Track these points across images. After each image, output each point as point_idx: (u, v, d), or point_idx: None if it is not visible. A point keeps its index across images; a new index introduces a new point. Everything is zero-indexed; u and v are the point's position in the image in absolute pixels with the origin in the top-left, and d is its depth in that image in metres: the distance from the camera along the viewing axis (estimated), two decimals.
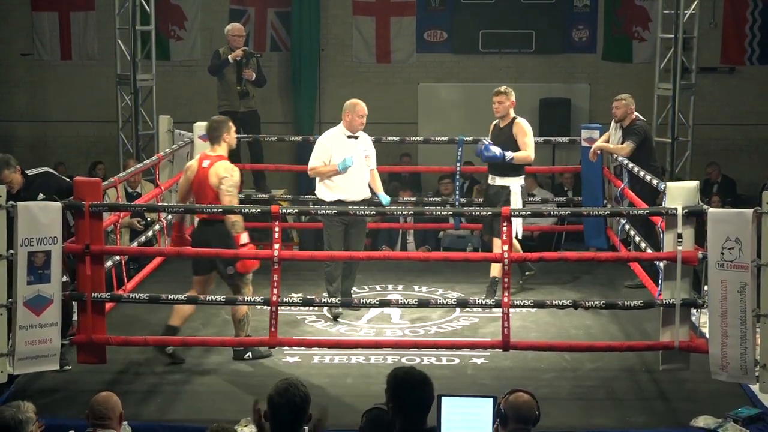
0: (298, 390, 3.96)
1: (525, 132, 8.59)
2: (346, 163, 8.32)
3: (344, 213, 8.04)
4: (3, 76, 14.66)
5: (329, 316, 8.39)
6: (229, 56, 10.69)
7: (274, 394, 3.95)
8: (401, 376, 4.11)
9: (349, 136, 8.45)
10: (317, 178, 8.50)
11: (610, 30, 14.36)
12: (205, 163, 7.27)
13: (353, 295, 8.86)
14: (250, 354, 7.35)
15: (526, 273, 9.05)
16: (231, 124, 7.51)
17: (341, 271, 8.49)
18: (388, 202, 8.69)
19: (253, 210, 7.30)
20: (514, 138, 8.59)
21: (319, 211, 7.75)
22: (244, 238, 7.14)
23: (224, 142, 7.38)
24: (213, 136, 7.41)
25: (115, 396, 4.98)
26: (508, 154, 8.48)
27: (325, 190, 8.43)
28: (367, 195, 8.56)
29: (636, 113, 9.17)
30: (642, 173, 8.45)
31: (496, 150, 8.47)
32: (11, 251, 6.51)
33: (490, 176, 8.77)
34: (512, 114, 8.71)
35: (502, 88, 8.75)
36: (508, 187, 8.59)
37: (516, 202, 8.51)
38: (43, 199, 6.90)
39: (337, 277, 8.46)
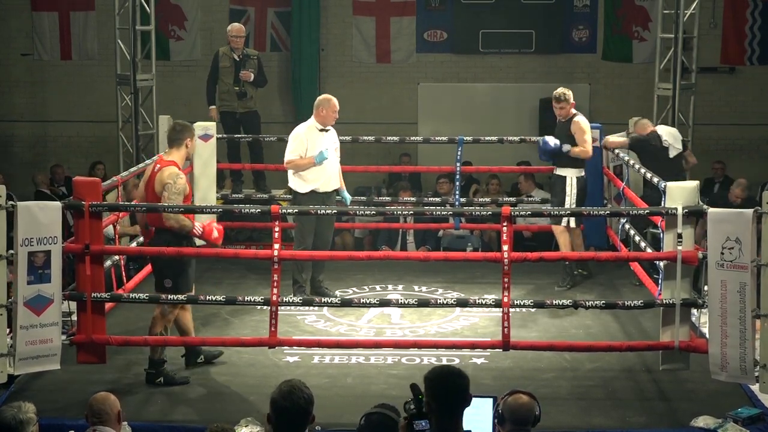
0: (302, 392, 3.92)
1: (583, 130, 9.03)
2: (323, 156, 8.54)
3: (344, 213, 8.05)
4: (3, 76, 14.66)
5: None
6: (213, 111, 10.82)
7: (278, 398, 3.90)
8: (443, 373, 4.08)
9: (321, 130, 8.65)
10: (290, 171, 8.73)
11: (610, 30, 14.36)
12: (157, 168, 7.07)
13: (353, 295, 8.88)
14: (162, 379, 6.97)
15: (580, 270, 9.49)
16: (195, 133, 7.31)
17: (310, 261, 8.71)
18: (350, 200, 9.01)
19: (253, 210, 7.28)
20: (572, 134, 9.03)
21: (319, 212, 7.74)
22: (198, 228, 6.98)
23: (185, 147, 7.11)
24: (175, 138, 7.11)
25: (113, 396, 4.99)
26: (565, 147, 8.98)
27: (299, 182, 8.68)
28: (338, 185, 8.83)
29: (653, 127, 9.39)
30: (649, 175, 8.42)
31: (552, 141, 9.02)
32: (11, 251, 6.52)
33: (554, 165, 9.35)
34: (573, 112, 9.13)
35: (560, 93, 9.13)
36: (565, 177, 9.05)
37: (571, 193, 9.02)
38: None
39: (308, 266, 8.71)
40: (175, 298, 7.03)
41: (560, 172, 9.17)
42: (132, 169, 9.31)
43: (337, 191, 8.85)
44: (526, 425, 4.35)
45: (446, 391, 3.99)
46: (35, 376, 6.96)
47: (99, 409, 4.89)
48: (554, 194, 9.30)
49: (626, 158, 9.16)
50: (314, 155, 8.55)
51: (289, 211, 7.62)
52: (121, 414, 4.97)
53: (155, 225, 7.10)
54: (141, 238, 8.93)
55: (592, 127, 9.70)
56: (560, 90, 9.15)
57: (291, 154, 8.67)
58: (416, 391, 3.95)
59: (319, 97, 8.82)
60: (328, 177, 8.69)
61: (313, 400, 3.94)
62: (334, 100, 8.68)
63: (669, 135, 9.55)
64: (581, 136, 9.00)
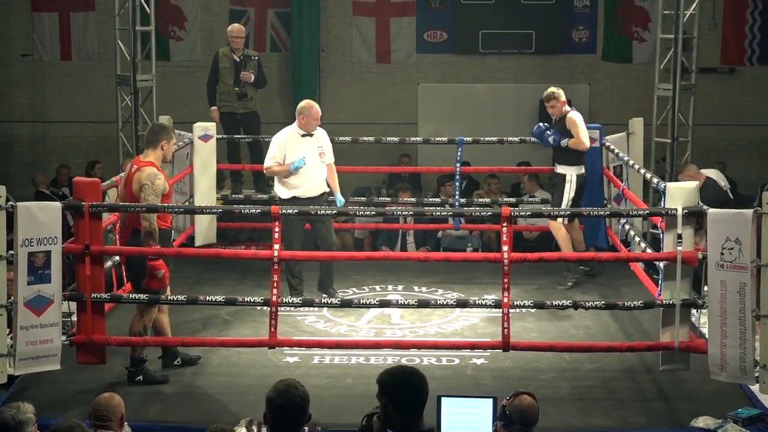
0: (297, 390, 3.95)
1: (576, 124, 9.08)
2: (296, 165, 8.54)
3: (344, 214, 8.05)
4: (3, 76, 14.66)
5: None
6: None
7: (273, 396, 3.94)
8: (396, 372, 4.09)
9: (303, 135, 8.63)
10: (275, 177, 8.75)
11: (609, 30, 14.37)
12: (134, 168, 7.09)
13: (353, 296, 8.88)
14: (141, 377, 7.02)
15: (580, 267, 9.47)
16: (173, 135, 7.31)
17: (302, 265, 8.69)
18: (343, 203, 8.97)
19: (253, 210, 7.29)
20: (568, 131, 9.08)
21: (318, 212, 7.74)
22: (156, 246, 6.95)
23: (161, 149, 7.11)
24: (151, 139, 7.14)
25: (118, 397, 4.99)
26: (563, 141, 9.04)
27: (281, 188, 8.69)
28: (325, 189, 8.79)
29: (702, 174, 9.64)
30: (648, 176, 8.41)
31: (550, 137, 9.11)
32: (11, 251, 6.52)
33: (554, 164, 9.38)
34: (566, 109, 9.16)
35: (549, 93, 9.18)
36: (565, 174, 9.08)
37: (569, 190, 9.06)
38: None
39: (300, 270, 8.68)
40: (175, 298, 7.05)
41: (560, 170, 9.18)
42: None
43: (328, 194, 8.83)
44: (531, 426, 4.37)
45: (403, 392, 4.00)
46: (35, 377, 6.96)
47: (102, 414, 4.91)
48: (554, 192, 9.34)
49: (626, 158, 9.17)
50: (290, 163, 8.54)
51: (289, 211, 7.62)
52: (122, 416, 4.97)
53: (133, 225, 7.09)
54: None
55: (591, 128, 9.72)
56: (549, 90, 9.21)
57: (269, 160, 8.71)
58: None
59: (301, 103, 8.77)
60: (310, 183, 8.64)
61: (309, 398, 3.97)
62: (316, 107, 8.68)
63: (719, 177, 9.56)
64: (576, 130, 9.05)
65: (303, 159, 8.55)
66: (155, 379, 7.05)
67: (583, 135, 9.06)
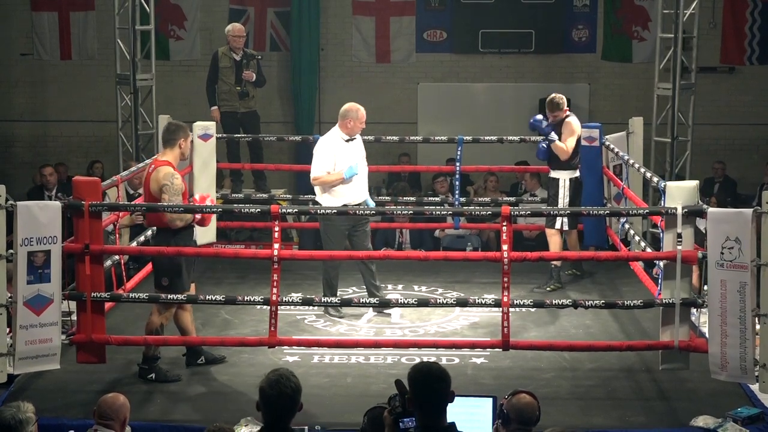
0: (289, 381, 4.02)
1: (570, 131, 9.15)
2: (352, 171, 8.27)
3: (344, 213, 8.02)
4: (3, 76, 14.65)
5: (335, 314, 8.42)
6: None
7: (265, 386, 4.02)
8: (421, 371, 4.11)
9: (347, 140, 8.37)
10: (317, 187, 8.39)
11: (609, 30, 14.36)
12: (152, 168, 7.10)
13: (352, 295, 8.88)
14: (153, 375, 7.03)
15: (573, 270, 9.52)
16: (189, 132, 7.28)
17: (339, 277, 8.50)
18: (373, 206, 8.79)
19: (253, 210, 7.29)
20: (561, 134, 9.18)
21: (318, 211, 7.74)
22: (197, 215, 7.05)
23: (178, 148, 7.10)
24: (168, 139, 7.14)
25: (124, 398, 5.02)
26: (553, 135, 9.10)
27: (329, 198, 8.32)
28: (367, 195, 8.60)
29: None
30: (648, 175, 8.42)
31: (542, 122, 9.19)
32: (11, 251, 6.52)
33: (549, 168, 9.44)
34: (566, 113, 9.21)
35: (555, 103, 9.19)
36: (558, 179, 9.16)
37: (563, 195, 9.14)
38: None
39: (336, 284, 8.46)
40: (175, 298, 7.05)
41: (554, 174, 9.23)
42: (132, 169, 9.34)
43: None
44: (529, 424, 4.36)
45: (428, 392, 4.01)
46: (35, 376, 6.96)
47: (105, 413, 4.94)
48: (549, 196, 9.35)
49: (626, 158, 9.17)
50: (343, 170, 8.23)
51: (289, 210, 7.62)
52: (126, 418, 4.98)
53: (154, 224, 7.14)
54: (141, 237, 8.98)
55: (591, 127, 9.73)
56: (556, 100, 9.18)
57: (318, 170, 8.28)
58: (401, 389, 3.97)
59: (346, 107, 8.40)
60: (358, 189, 8.39)
61: (301, 388, 4.05)
62: (363, 110, 8.36)
63: None
64: (566, 136, 9.09)
65: (357, 165, 8.29)
66: (167, 377, 7.05)
67: (569, 143, 9.07)
